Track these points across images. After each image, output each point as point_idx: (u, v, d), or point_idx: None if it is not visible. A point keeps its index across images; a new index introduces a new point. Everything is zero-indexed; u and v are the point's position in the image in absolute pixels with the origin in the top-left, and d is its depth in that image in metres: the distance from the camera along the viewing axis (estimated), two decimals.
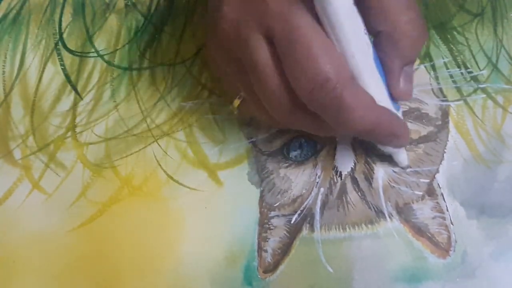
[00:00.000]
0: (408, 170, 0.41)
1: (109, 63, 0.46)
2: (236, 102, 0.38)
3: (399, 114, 0.37)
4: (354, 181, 0.41)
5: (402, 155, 0.40)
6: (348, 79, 0.33)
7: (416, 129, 0.42)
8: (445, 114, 0.43)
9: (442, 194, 0.40)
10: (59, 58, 0.46)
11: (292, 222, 0.40)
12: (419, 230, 0.39)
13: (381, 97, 0.35)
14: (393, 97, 0.36)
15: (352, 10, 0.32)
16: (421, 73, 0.44)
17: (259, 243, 0.40)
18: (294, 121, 0.36)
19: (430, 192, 0.40)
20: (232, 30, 0.34)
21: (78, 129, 0.44)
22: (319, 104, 0.33)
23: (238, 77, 0.36)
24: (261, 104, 0.35)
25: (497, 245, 0.39)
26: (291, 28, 0.32)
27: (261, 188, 0.41)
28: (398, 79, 0.35)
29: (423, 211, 0.40)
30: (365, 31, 0.33)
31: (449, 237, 0.39)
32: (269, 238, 0.40)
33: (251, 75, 0.34)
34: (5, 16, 0.47)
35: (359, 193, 0.40)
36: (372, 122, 0.33)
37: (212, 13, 0.36)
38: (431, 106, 0.43)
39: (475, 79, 0.44)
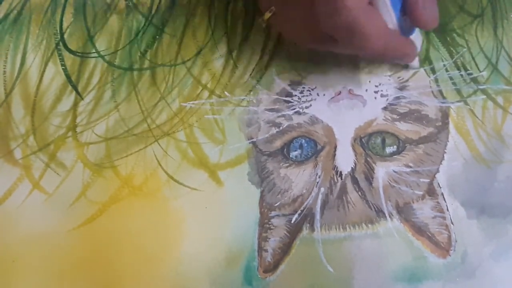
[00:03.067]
0: (408, 170, 0.41)
1: (110, 63, 0.46)
2: (267, 15, 0.40)
3: (414, 37, 0.40)
4: (354, 180, 0.41)
5: (415, 61, 0.44)
6: (364, 4, 0.35)
7: (416, 129, 0.42)
8: (445, 115, 0.43)
9: (442, 194, 0.40)
10: (60, 58, 0.46)
11: (292, 222, 0.40)
12: (419, 230, 0.39)
13: (392, 23, 0.38)
14: (420, 24, 0.38)
15: None
16: (421, 76, 0.44)
17: (259, 243, 0.40)
18: (317, 39, 0.38)
19: (431, 191, 0.41)
20: None
21: (78, 129, 0.44)
22: (336, 28, 0.35)
23: None
24: (291, 19, 0.39)
25: (497, 245, 0.39)
26: None
27: (262, 188, 0.41)
28: (419, 3, 0.37)
29: (423, 211, 0.40)
30: None
31: (449, 237, 0.39)
32: (269, 238, 0.40)
33: None
34: (6, 16, 0.48)
35: (359, 193, 0.40)
36: (384, 45, 0.37)
37: None
38: (431, 108, 0.43)
39: (475, 80, 0.44)
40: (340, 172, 0.41)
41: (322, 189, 0.41)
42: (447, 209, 0.40)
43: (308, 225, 0.40)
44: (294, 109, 0.43)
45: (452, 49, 0.45)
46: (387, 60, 0.42)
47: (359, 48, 0.36)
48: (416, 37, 0.41)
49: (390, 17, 0.37)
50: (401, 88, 0.43)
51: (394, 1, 0.37)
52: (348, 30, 0.35)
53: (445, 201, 0.40)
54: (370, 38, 0.35)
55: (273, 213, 0.41)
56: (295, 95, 0.43)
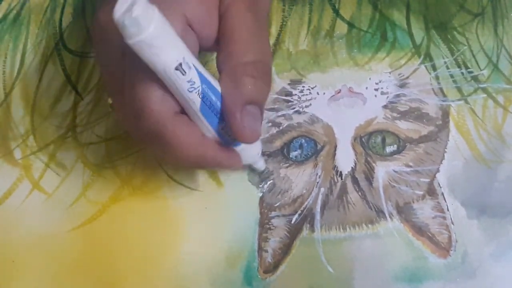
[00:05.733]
0: (409, 169, 0.41)
1: None
2: (110, 100, 0.37)
3: (239, 149, 0.35)
4: (355, 180, 0.41)
5: (259, 163, 0.40)
6: (171, 115, 0.31)
7: (416, 128, 0.42)
8: (445, 113, 0.43)
9: (442, 194, 0.40)
10: (59, 58, 0.46)
11: (292, 222, 0.40)
12: (420, 230, 0.39)
13: (209, 132, 0.33)
14: (237, 137, 0.33)
15: (175, 74, 0.30)
16: (421, 73, 0.44)
17: (259, 244, 0.40)
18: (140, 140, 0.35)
19: (431, 191, 0.40)
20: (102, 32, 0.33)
21: (78, 129, 0.44)
22: (140, 134, 0.32)
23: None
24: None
25: (497, 245, 0.39)
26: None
27: (262, 189, 0.41)
28: (237, 117, 0.32)
29: (424, 211, 0.40)
30: (192, 88, 0.31)
31: (449, 237, 0.39)
32: (269, 238, 0.40)
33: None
34: (6, 16, 0.47)
35: (360, 193, 0.40)
36: (196, 158, 0.33)
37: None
38: (431, 106, 0.43)
39: (475, 79, 0.44)
40: (340, 172, 0.41)
41: (322, 189, 0.41)
42: (448, 209, 0.40)
43: (308, 225, 0.40)
44: (294, 108, 0.43)
45: (452, 46, 0.45)
46: (207, 168, 0.40)
47: (169, 158, 0.33)
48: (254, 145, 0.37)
49: (205, 126, 0.33)
50: (402, 86, 0.43)
51: (208, 108, 0.32)
52: (153, 137, 0.32)
53: (446, 201, 0.40)
54: (179, 146, 0.32)
55: (273, 214, 0.41)
56: (295, 94, 0.43)
